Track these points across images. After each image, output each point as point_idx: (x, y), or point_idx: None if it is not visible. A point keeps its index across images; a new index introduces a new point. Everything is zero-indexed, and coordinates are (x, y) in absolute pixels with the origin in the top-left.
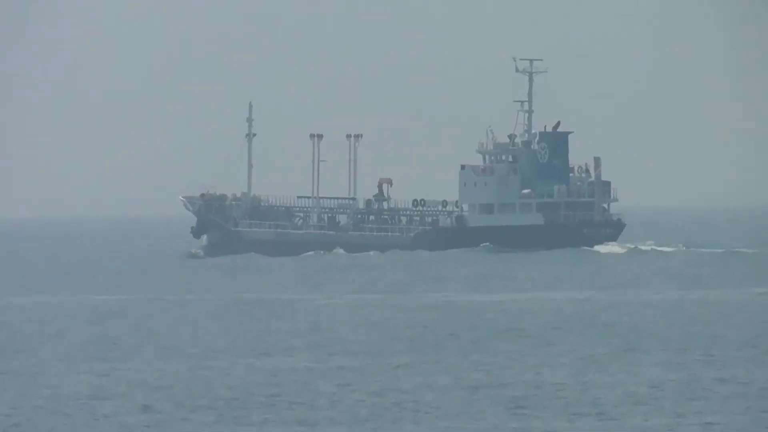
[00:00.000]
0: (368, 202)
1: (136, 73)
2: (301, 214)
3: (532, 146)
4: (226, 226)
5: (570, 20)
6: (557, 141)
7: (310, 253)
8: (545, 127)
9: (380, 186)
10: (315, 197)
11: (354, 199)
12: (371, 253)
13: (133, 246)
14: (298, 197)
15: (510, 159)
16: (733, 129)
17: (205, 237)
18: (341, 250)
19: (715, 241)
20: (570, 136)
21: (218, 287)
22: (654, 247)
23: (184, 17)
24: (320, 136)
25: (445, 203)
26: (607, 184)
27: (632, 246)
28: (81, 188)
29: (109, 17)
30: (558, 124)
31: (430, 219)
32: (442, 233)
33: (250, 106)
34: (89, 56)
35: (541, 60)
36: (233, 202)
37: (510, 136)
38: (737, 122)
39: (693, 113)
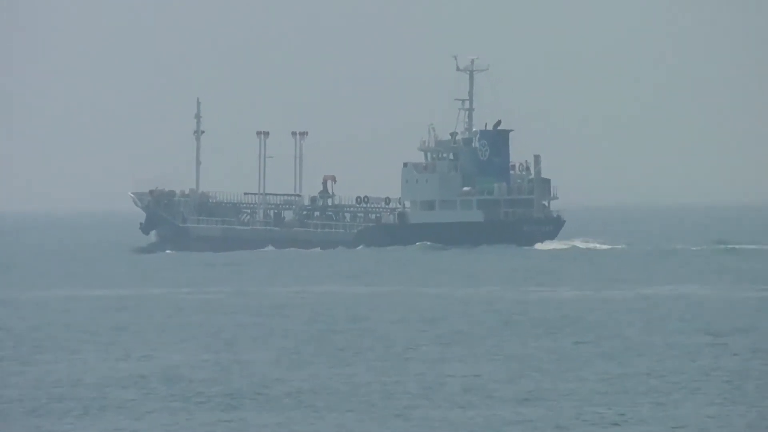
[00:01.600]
0: (313, 199)
1: (86, 70)
2: (248, 211)
3: (473, 144)
4: (174, 222)
5: (511, 19)
6: (498, 139)
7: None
8: (486, 125)
9: (325, 183)
10: (261, 194)
11: (299, 195)
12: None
13: (83, 241)
14: (245, 194)
15: (451, 156)
16: (676, 126)
17: (154, 233)
18: (271, 247)
19: (656, 239)
20: (510, 134)
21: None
22: (594, 244)
23: (135, 14)
24: (266, 133)
25: (388, 200)
26: (547, 181)
27: (570, 243)
28: (29, 184)
29: (62, 14)
30: (499, 122)
31: (373, 216)
32: (384, 230)
33: (198, 103)
34: (40, 51)
35: (482, 58)
36: (182, 199)
37: (451, 134)
38: (679, 119)
39: (633, 110)
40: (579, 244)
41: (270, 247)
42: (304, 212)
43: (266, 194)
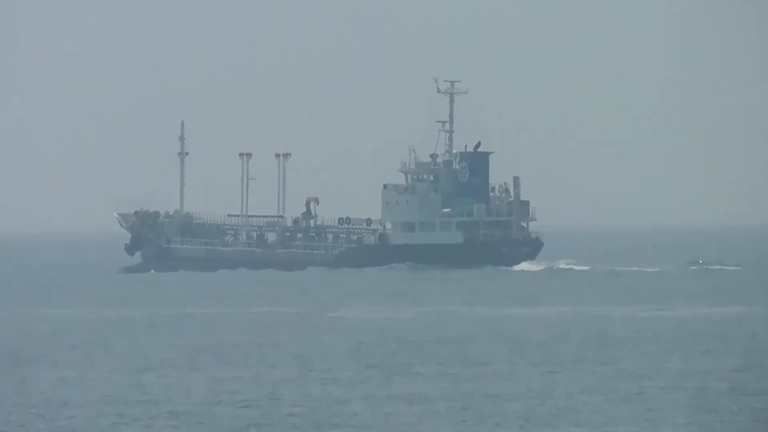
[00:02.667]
0: (296, 220)
1: (70, 91)
2: (232, 232)
3: (453, 166)
4: (158, 242)
5: (491, 42)
6: (478, 161)
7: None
8: (466, 147)
9: (308, 204)
10: (244, 215)
11: (282, 217)
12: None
13: (69, 262)
14: (228, 215)
15: (431, 178)
16: (655, 148)
17: (138, 253)
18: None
19: (633, 261)
20: (490, 156)
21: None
22: (572, 266)
23: (119, 36)
24: (249, 155)
25: (369, 221)
26: (526, 203)
27: (548, 264)
28: (15, 204)
29: (46, 36)
30: (479, 144)
31: (355, 237)
32: (365, 251)
33: (182, 125)
34: (21, 70)
35: (462, 81)
36: (166, 220)
37: (432, 156)
38: (659, 141)
39: (612, 134)
40: (559, 265)
41: (243, 269)
42: (287, 233)
43: (249, 216)
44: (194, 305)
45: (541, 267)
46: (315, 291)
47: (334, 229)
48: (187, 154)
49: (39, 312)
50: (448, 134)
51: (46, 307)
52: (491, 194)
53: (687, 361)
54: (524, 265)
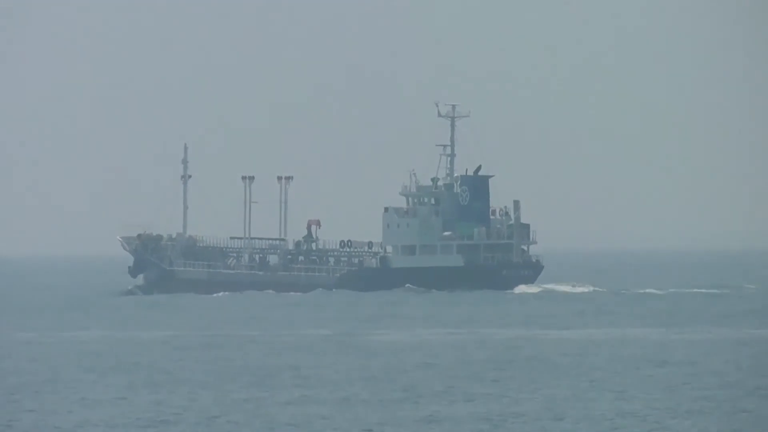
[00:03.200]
0: (297, 243)
1: (74, 114)
2: (234, 254)
3: (454, 189)
4: (161, 265)
5: (492, 66)
6: (478, 184)
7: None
8: (467, 170)
9: (309, 227)
10: (246, 238)
11: (284, 239)
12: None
13: (73, 284)
14: (231, 238)
15: (432, 201)
16: (656, 171)
17: (141, 276)
18: (271, 291)
19: (632, 283)
20: (491, 179)
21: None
22: (570, 289)
23: (121, 58)
24: (251, 178)
25: (370, 244)
26: (526, 226)
27: (547, 287)
28: (19, 228)
29: (49, 55)
30: (479, 167)
31: (356, 260)
32: (366, 274)
33: (185, 148)
34: (25, 95)
35: (463, 105)
36: (169, 242)
37: (433, 179)
38: (659, 164)
39: (612, 157)
40: (557, 287)
41: (250, 291)
42: (289, 256)
43: (251, 238)
44: (239, 327)
45: (539, 289)
46: (344, 313)
47: (335, 252)
48: (190, 177)
49: (69, 335)
50: (449, 158)
51: (70, 330)
52: (492, 217)
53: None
54: (522, 288)
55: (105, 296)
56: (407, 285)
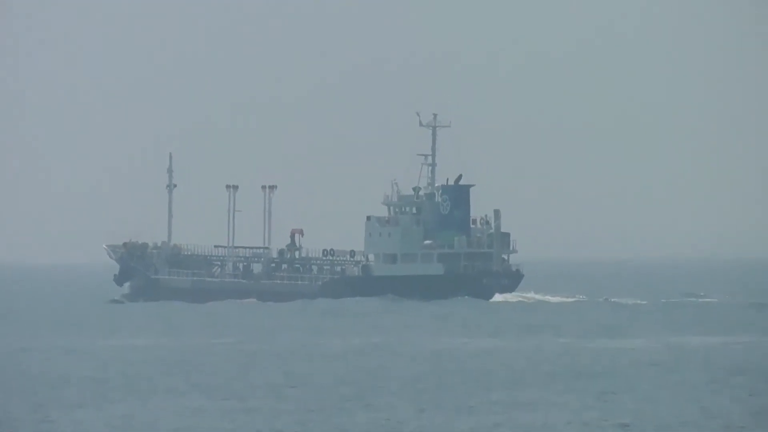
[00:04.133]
0: (281, 252)
1: (59, 123)
2: (219, 263)
3: (435, 198)
4: (147, 273)
5: (473, 76)
6: (459, 193)
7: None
8: (448, 180)
9: (292, 236)
10: (231, 246)
11: (268, 248)
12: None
13: (59, 293)
14: (215, 246)
15: (414, 210)
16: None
17: (127, 284)
18: (254, 300)
19: (613, 292)
20: (471, 188)
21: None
22: (548, 297)
23: (105, 67)
24: (236, 187)
25: (353, 253)
26: (507, 235)
27: (526, 296)
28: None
29: (38, 66)
30: (460, 177)
31: (339, 268)
32: (348, 282)
33: (170, 157)
34: (9, 101)
35: (444, 114)
36: (154, 251)
37: (414, 189)
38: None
39: (594, 167)
40: (537, 296)
41: (232, 300)
42: (272, 265)
43: (235, 247)
44: (279, 335)
45: (517, 298)
46: (370, 321)
47: (318, 261)
48: (175, 186)
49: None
50: (430, 167)
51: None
52: (472, 227)
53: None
54: (500, 297)
55: (95, 304)
56: (387, 293)
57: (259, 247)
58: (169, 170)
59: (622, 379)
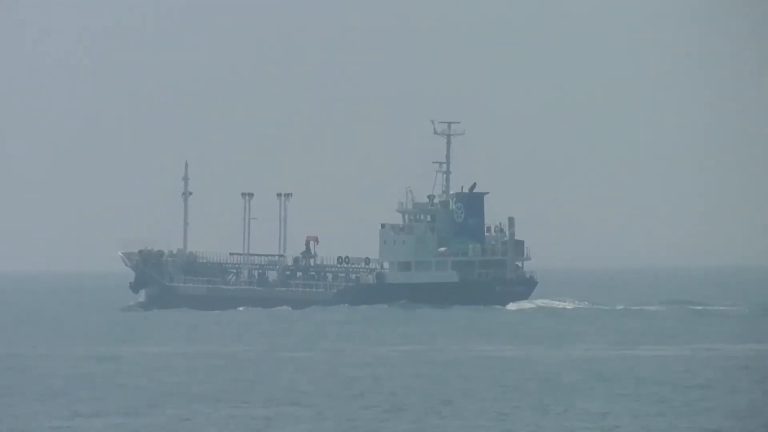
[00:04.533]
0: (296, 259)
1: (76, 131)
2: (234, 270)
3: (449, 206)
4: (162, 281)
5: (487, 84)
6: (473, 201)
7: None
8: (462, 187)
9: (307, 243)
10: (246, 254)
11: (283, 256)
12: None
13: (75, 300)
14: (230, 254)
15: (428, 218)
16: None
17: (143, 292)
18: (288, 308)
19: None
20: (486, 196)
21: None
22: (563, 305)
23: (122, 75)
24: (251, 195)
25: (367, 260)
26: (521, 243)
27: (541, 303)
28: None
29: (47, 71)
30: (474, 185)
31: (353, 276)
32: (363, 290)
33: (186, 165)
34: (26, 110)
35: (459, 122)
36: (169, 258)
37: (429, 197)
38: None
39: (607, 174)
40: (553, 304)
41: (243, 308)
42: (287, 272)
43: (251, 254)
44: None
45: (532, 306)
46: (401, 328)
47: (333, 268)
48: (190, 194)
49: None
50: (444, 175)
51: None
52: (486, 234)
53: None
54: (514, 305)
55: (109, 312)
56: (402, 300)
57: (275, 255)
58: (185, 178)
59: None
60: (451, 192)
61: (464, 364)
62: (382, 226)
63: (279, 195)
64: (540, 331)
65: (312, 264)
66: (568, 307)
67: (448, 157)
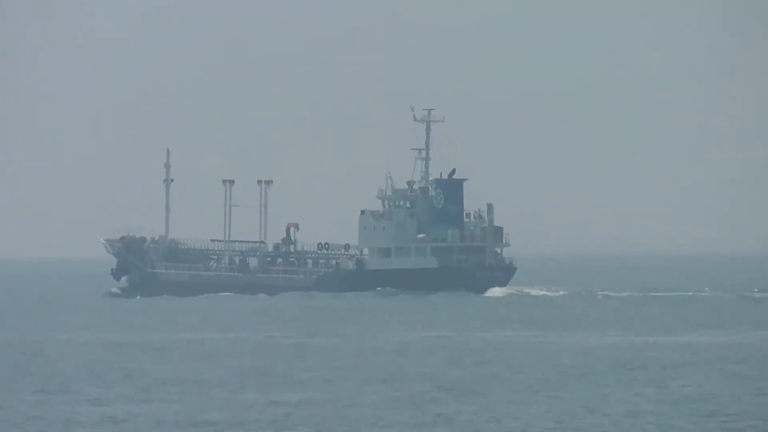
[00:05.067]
0: (276, 246)
1: (58, 119)
2: (215, 257)
3: (428, 192)
4: (144, 267)
5: (466, 71)
6: (452, 187)
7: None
8: (441, 174)
9: (288, 230)
10: (227, 240)
11: (263, 242)
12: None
13: (56, 286)
14: (212, 240)
15: (408, 205)
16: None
17: (124, 278)
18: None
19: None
20: (465, 183)
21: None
22: (543, 291)
23: (105, 64)
24: (232, 182)
25: (347, 247)
26: (500, 229)
27: (517, 289)
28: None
29: (34, 60)
30: (453, 171)
31: (333, 262)
32: (343, 276)
33: (168, 152)
34: (12, 99)
35: (437, 110)
36: (151, 245)
37: (408, 183)
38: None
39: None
40: (529, 290)
41: (228, 293)
42: (268, 258)
43: (232, 241)
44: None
45: (511, 292)
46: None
47: (313, 255)
48: (172, 180)
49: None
50: (424, 162)
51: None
52: (466, 220)
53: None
54: (495, 291)
55: (93, 297)
56: (381, 287)
57: (255, 241)
58: (167, 165)
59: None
60: (431, 178)
61: (509, 349)
62: (362, 212)
63: (260, 182)
64: (555, 318)
65: (292, 250)
66: (548, 294)
67: (427, 143)
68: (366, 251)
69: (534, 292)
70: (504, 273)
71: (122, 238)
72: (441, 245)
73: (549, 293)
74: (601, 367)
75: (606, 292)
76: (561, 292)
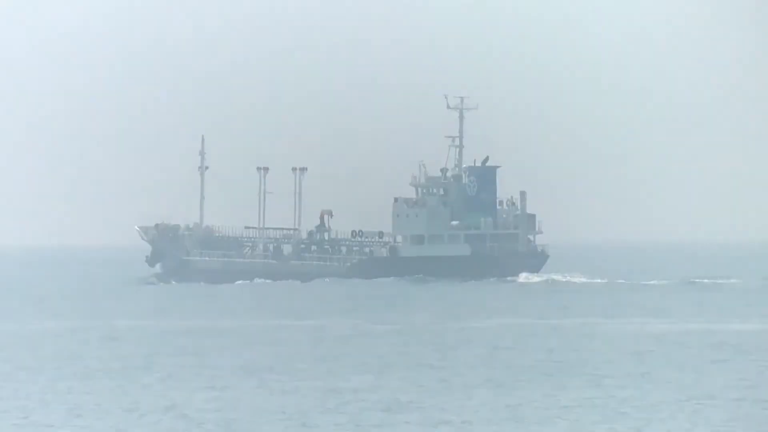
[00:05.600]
0: (310, 233)
1: (93, 106)
2: (249, 244)
3: (462, 180)
4: (178, 255)
5: (499, 58)
6: (485, 175)
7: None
8: (474, 161)
9: (322, 217)
10: (261, 228)
11: (297, 229)
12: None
13: (93, 273)
14: (246, 228)
15: (441, 192)
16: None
17: (159, 265)
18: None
19: (633, 274)
20: (498, 170)
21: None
22: (571, 278)
23: (139, 51)
24: (266, 169)
25: (381, 234)
26: (533, 216)
27: (550, 276)
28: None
29: (63, 44)
30: (487, 158)
31: (367, 249)
32: (376, 263)
33: (203, 139)
34: (43, 84)
35: (470, 97)
36: (185, 232)
37: (441, 170)
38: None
39: (620, 149)
40: (558, 277)
41: (260, 280)
42: (302, 246)
43: (266, 228)
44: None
45: (543, 279)
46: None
47: (347, 242)
48: (207, 168)
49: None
50: (457, 149)
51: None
52: (498, 208)
53: None
54: (524, 276)
55: (128, 284)
56: (415, 274)
57: (289, 229)
58: (201, 153)
59: None
60: (464, 166)
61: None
62: (396, 200)
63: (294, 169)
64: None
65: (326, 238)
66: (581, 281)
67: (461, 131)
68: (399, 238)
69: (561, 278)
70: (536, 260)
71: (157, 225)
72: (474, 233)
73: (586, 280)
74: None
75: (652, 281)
76: (598, 280)
